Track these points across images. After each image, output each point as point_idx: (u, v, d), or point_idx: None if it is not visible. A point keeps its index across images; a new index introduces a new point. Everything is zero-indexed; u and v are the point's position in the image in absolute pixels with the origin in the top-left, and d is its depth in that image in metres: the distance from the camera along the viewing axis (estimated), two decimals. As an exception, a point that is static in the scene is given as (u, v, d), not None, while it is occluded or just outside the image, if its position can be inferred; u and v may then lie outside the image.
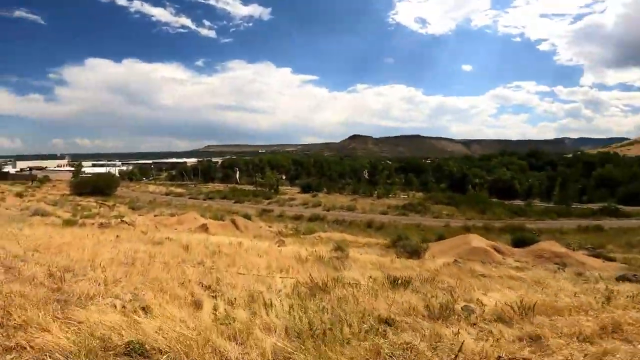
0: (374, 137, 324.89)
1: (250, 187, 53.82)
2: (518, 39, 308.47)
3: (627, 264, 12.86)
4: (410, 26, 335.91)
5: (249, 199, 40.49)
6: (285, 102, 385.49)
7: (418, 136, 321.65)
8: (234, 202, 39.39)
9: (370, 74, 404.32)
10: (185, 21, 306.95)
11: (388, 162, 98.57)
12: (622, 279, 5.06)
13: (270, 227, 23.47)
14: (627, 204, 38.94)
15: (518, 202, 42.35)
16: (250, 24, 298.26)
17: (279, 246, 10.56)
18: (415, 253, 9.01)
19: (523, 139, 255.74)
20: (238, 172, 73.61)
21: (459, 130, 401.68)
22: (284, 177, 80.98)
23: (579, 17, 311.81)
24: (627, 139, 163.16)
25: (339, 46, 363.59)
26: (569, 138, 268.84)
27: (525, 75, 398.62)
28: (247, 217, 24.65)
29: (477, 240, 12.41)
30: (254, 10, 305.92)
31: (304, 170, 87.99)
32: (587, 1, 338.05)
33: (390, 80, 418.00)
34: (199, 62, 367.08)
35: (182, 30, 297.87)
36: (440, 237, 16.68)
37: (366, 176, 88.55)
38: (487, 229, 24.50)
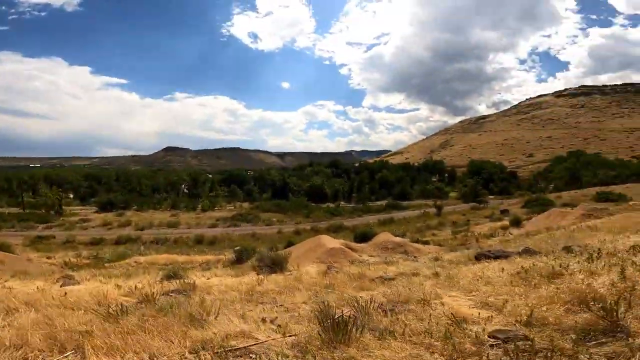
0: (192, 149, 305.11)
1: (16, 210, 38.16)
2: (327, 62, 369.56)
3: (441, 245, 15.90)
4: (243, 39, 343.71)
5: (10, 225, 28.09)
6: (79, 107, 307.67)
7: (238, 149, 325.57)
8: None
9: (194, 83, 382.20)
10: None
11: (208, 175, 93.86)
12: (481, 257, 5.28)
13: (50, 258, 16.55)
14: (401, 199, 51.47)
15: (329, 204, 48.65)
16: (44, 13, 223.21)
17: (62, 286, 6.21)
18: (277, 265, 7.58)
19: (325, 151, 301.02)
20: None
21: (274, 143, 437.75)
22: (71, 196, 63.03)
23: (370, 47, 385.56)
24: (389, 151, 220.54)
25: (160, 50, 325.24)
26: (355, 150, 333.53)
27: (329, 95, 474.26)
28: (3, 248, 16.32)
29: (329, 241, 12.55)
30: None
31: (103, 186, 71.60)
32: (378, 33, 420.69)
33: (215, 91, 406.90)
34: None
35: None
36: (290, 244, 16.17)
37: (186, 190, 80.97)
38: (315, 230, 26.30)
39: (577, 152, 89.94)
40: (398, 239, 14.05)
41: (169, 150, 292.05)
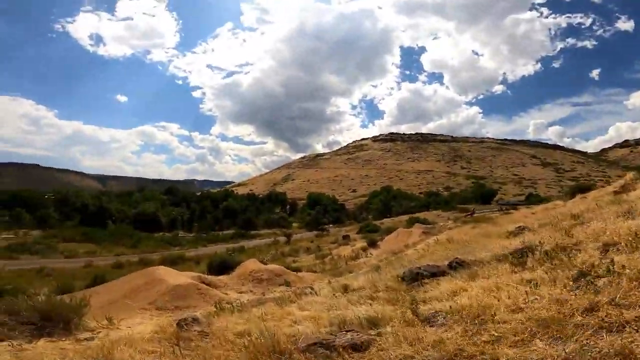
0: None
1: None
2: (180, 82, 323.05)
3: (314, 271, 14.23)
4: (81, 40, 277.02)
5: None
6: None
7: (37, 166, 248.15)
8: None
9: None
10: None
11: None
12: (418, 276, 3.92)
13: None
14: (247, 229, 49.05)
15: (167, 234, 41.26)
16: None
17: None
18: (56, 321, 3.57)
19: (160, 178, 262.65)
20: None
21: (94, 164, 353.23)
22: None
23: (230, 74, 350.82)
24: (233, 182, 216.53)
25: None
26: (197, 180, 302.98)
27: (175, 117, 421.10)
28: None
29: (172, 275, 8.69)
30: None
31: None
32: (242, 62, 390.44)
33: (15, 91, 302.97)
34: None
35: None
36: (102, 281, 10.71)
37: None
38: (145, 262, 20.44)
39: (387, 188, 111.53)
40: (273, 267, 11.62)
41: None
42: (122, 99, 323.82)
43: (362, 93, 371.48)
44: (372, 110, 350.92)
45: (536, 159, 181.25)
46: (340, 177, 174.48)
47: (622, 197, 8.46)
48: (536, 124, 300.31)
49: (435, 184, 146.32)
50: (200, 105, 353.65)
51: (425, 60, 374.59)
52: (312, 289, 6.04)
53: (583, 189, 19.62)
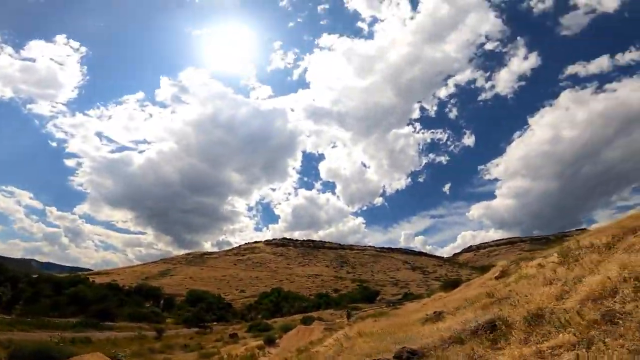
0: None
1: None
2: (54, 144, 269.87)
3: None
4: None
5: None
6: None
7: None
8: None
9: None
10: None
11: None
12: None
13: None
14: (100, 319, 37.15)
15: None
16: None
17: None
18: None
19: None
20: None
21: None
22: None
23: (121, 149, 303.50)
24: (89, 270, 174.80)
25: None
26: (36, 260, 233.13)
27: (29, 183, 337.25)
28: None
29: None
30: None
31: None
32: (139, 138, 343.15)
33: None
34: None
35: None
36: None
37: None
38: None
39: (278, 289, 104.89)
40: None
41: None
42: None
43: (260, 195, 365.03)
44: (267, 213, 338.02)
45: (407, 264, 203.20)
46: (228, 277, 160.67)
47: (506, 280, 9.31)
48: (406, 234, 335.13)
49: (325, 287, 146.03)
50: (71, 177, 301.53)
51: (323, 168, 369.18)
52: None
53: (454, 283, 21.44)
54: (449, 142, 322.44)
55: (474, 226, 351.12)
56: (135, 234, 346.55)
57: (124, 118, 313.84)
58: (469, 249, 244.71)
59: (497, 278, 11.73)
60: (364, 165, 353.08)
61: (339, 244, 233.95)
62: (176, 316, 60.34)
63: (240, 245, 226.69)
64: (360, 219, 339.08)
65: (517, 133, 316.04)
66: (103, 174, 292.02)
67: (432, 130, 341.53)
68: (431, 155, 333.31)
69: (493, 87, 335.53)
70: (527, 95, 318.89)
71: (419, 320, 8.09)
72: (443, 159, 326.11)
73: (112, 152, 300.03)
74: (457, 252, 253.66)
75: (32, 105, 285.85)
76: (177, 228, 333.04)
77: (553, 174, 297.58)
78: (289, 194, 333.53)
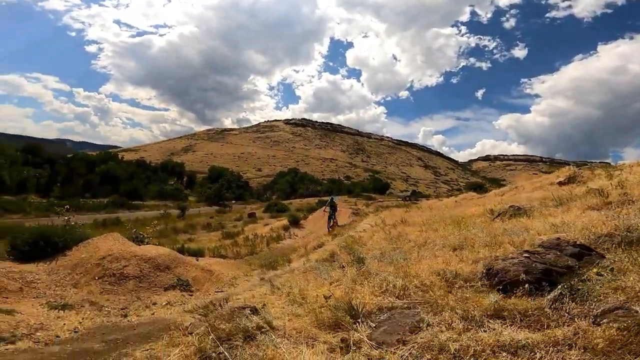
0: None
1: None
2: (74, 34, 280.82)
3: (223, 256, 10.58)
4: None
5: None
6: None
7: None
8: None
9: None
10: None
11: None
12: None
13: None
14: (131, 199, 41.05)
15: (9, 197, 31.03)
16: None
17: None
18: None
19: (22, 134, 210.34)
20: None
21: None
22: None
23: (141, 34, 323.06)
24: (119, 147, 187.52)
25: None
26: (71, 140, 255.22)
27: (53, 69, 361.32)
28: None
29: None
30: None
31: None
32: (159, 22, 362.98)
33: None
34: None
35: None
36: None
37: None
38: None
39: (294, 170, 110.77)
40: (153, 250, 6.84)
41: None
42: None
43: (282, 75, 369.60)
44: (289, 94, 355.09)
45: (421, 161, 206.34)
46: (247, 155, 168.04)
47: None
48: (425, 131, 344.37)
49: (338, 172, 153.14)
50: (93, 61, 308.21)
51: (350, 55, 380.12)
52: (252, 310, 3.08)
53: (478, 186, 21.16)
54: (495, 51, 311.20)
55: (497, 136, 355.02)
56: (160, 110, 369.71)
57: (142, 5, 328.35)
58: (485, 158, 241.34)
59: (561, 184, 9.76)
60: (395, 58, 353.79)
61: (357, 131, 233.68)
62: (198, 194, 65.16)
63: (259, 123, 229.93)
64: (382, 109, 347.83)
65: (580, 56, 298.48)
66: (125, 56, 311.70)
67: (480, 37, 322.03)
68: (471, 60, 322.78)
69: (569, 7, 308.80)
70: (608, 24, 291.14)
71: (478, 214, 7.03)
72: (484, 65, 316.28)
73: (133, 37, 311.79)
74: (472, 158, 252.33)
75: (42, 3, 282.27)
76: (199, 105, 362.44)
77: (599, 102, 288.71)
78: (313, 76, 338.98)
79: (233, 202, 57.16)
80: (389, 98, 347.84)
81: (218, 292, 6.50)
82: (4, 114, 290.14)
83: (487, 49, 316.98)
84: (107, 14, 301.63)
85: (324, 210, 17.57)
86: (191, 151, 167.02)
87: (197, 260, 8.39)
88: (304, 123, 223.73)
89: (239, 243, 15.39)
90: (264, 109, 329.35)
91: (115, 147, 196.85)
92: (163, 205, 39.72)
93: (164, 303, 5.63)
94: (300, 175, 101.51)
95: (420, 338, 2.05)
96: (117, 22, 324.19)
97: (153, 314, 5.21)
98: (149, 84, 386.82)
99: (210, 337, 2.56)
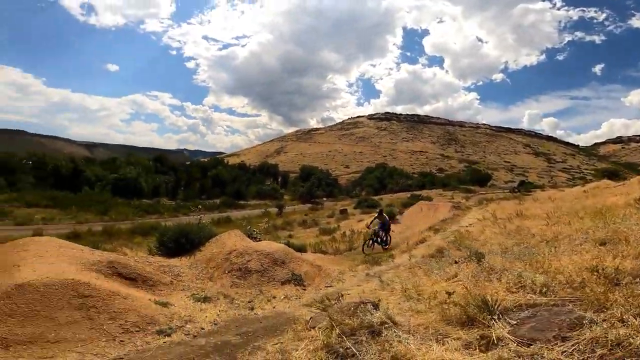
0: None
1: None
2: (174, 53, 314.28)
3: (324, 251, 11.34)
4: (71, 10, 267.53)
5: None
6: None
7: (23, 132, 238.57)
8: None
9: None
10: None
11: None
12: None
13: None
14: (236, 199, 45.98)
15: (146, 201, 37.96)
16: None
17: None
18: None
19: (150, 147, 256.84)
20: None
21: (82, 132, 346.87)
22: None
23: (226, 46, 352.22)
24: (224, 153, 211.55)
25: None
26: (188, 150, 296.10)
27: (167, 87, 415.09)
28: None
29: (42, 256, 4.80)
30: None
31: None
32: (239, 34, 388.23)
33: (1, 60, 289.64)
34: None
35: None
36: None
37: None
38: (109, 233, 17.33)
39: (382, 165, 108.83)
40: (269, 245, 7.31)
41: None
42: (113, 67, 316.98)
43: (359, 71, 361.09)
44: (368, 89, 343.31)
45: (529, 147, 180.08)
46: (334, 153, 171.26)
47: None
48: (531, 114, 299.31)
49: (429, 165, 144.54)
50: (194, 76, 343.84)
51: (427, 43, 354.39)
52: (373, 305, 3.11)
53: (612, 173, 17.43)
54: (606, 22, 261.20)
55: (628, 114, 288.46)
56: (252, 116, 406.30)
57: (220, 19, 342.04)
58: (616, 140, 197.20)
59: None
60: (480, 40, 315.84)
61: (448, 120, 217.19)
62: (292, 192, 69.44)
63: (343, 120, 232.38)
64: (474, 95, 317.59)
65: None
66: (217, 69, 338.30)
67: (582, 9, 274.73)
68: (578, 34, 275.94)
69: None
70: None
71: (622, 205, 6.39)
72: (596, 38, 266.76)
73: (220, 49, 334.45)
74: (598, 141, 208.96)
75: (144, 25, 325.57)
76: (284, 108, 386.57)
77: None
78: (390, 69, 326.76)
79: (324, 199, 58.98)
80: (480, 83, 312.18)
81: (328, 286, 6.61)
82: (135, 130, 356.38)
83: (595, 21, 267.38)
84: (196, 31, 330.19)
85: (367, 226, 14.45)
86: (283, 152, 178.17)
87: (301, 255, 8.76)
88: (388, 117, 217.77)
89: (337, 239, 15.68)
90: (345, 106, 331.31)
91: (221, 153, 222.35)
92: (263, 204, 43.40)
93: (282, 297, 5.95)
94: (388, 170, 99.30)
95: (586, 334, 1.91)
96: (205, 37, 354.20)
97: (274, 307, 5.52)
98: (241, 93, 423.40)
99: (336, 332, 2.57)
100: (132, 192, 43.82)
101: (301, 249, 11.04)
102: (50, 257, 4.74)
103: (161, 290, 5.46)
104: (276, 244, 8.36)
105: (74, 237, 14.10)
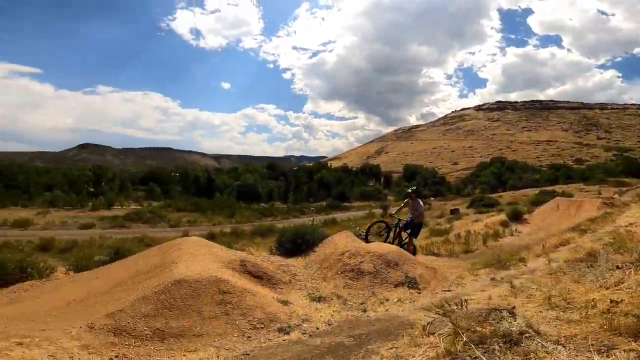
0: (114, 147, 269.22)
1: None
2: (271, 66, 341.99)
3: (437, 253, 11.08)
4: (184, 36, 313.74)
5: None
6: None
7: (169, 149, 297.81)
8: None
9: (121, 77, 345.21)
10: None
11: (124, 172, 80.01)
12: None
13: None
14: (340, 201, 47.32)
15: (263, 205, 42.35)
16: None
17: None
18: None
19: (263, 155, 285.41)
20: None
21: (210, 145, 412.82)
22: None
23: (315, 54, 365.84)
24: (326, 157, 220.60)
25: (87, 39, 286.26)
26: (294, 156, 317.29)
27: (270, 98, 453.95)
28: None
29: (192, 255, 5.54)
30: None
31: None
32: (324, 40, 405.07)
33: (146, 87, 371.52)
34: None
35: None
36: (120, 255, 7.86)
37: (90, 188, 67.27)
38: (236, 234, 19.88)
39: (499, 159, 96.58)
40: (380, 247, 7.07)
41: (84, 147, 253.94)
42: (226, 85, 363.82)
43: (457, 62, 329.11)
44: (470, 78, 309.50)
45: None
46: (439, 149, 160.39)
47: None
48: None
49: (562, 156, 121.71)
50: (292, 86, 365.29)
51: (534, 22, 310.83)
52: (510, 312, 2.80)
53: None
54: None
55: None
56: (350, 119, 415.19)
57: (304, 29, 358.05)
58: None
59: None
60: (602, 13, 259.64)
61: (582, 103, 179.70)
62: (395, 193, 67.91)
63: (446, 115, 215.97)
64: (612, 72, 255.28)
65: None
66: (310, 76, 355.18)
67: None
68: None
69: None
70: None
71: None
72: None
73: (310, 57, 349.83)
74: None
75: (242, 44, 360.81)
76: (380, 108, 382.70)
77: None
78: (494, 54, 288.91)
79: (431, 198, 56.14)
80: (618, 59, 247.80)
81: (445, 291, 6.16)
82: (250, 141, 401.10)
83: None
84: (285, 43, 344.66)
85: (390, 215, 10.99)
86: (384, 152, 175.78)
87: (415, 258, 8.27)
88: (501, 106, 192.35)
89: (450, 240, 14.40)
90: (446, 100, 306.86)
91: (323, 157, 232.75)
92: (367, 205, 43.48)
93: (395, 300, 5.72)
94: (507, 164, 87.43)
95: None
96: (295, 47, 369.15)
97: (387, 310, 5.33)
98: (336, 97, 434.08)
99: (462, 339, 2.35)
100: (251, 197, 49.56)
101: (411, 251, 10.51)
102: (199, 255, 5.49)
103: (281, 288, 5.72)
104: (389, 245, 8.10)
105: (210, 237, 16.56)
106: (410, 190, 10.16)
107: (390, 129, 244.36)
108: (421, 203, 9.57)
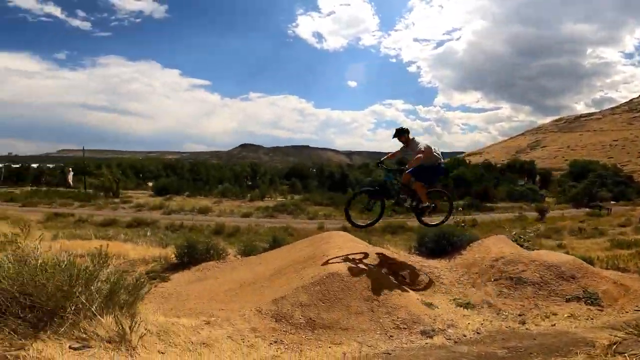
0: (265, 146, 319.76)
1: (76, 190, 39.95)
2: (394, 60, 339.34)
3: (626, 269, 9.24)
4: (308, 40, 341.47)
5: (52, 201, 28.77)
6: (170, 106, 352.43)
7: (307, 147, 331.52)
8: (21, 206, 28.02)
9: (265, 83, 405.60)
10: (53, 9, 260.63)
11: (272, 167, 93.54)
12: None
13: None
14: (481, 201, 42.20)
15: (392, 201, 41.72)
16: (138, 20, 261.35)
17: None
18: None
19: (392, 151, 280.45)
20: (72, 174, 55.73)
21: (342, 142, 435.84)
22: (150, 184, 66.72)
23: (440, 44, 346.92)
24: (463, 152, 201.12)
25: (237, 52, 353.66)
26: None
27: (397, 93, 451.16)
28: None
29: (339, 248, 5.68)
30: (147, 6, 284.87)
31: (177, 176, 74.96)
32: (448, 29, 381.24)
33: (285, 91, 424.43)
34: (60, 55, 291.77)
35: (45, 19, 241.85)
36: (277, 243, 8.88)
37: (248, 182, 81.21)
38: (367, 230, 20.20)
39: None
40: (549, 255, 6.05)
41: (244, 147, 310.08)
42: (352, 84, 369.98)
43: (636, 38, 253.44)
44: None
45: None
46: (623, 142, 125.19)
47: None
48: None
49: None
50: (419, 79, 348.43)
51: None
52: None
53: None
54: None
55: None
56: (491, 110, 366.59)
57: (423, 19, 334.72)
58: None
59: None
60: None
61: None
62: (556, 194, 56.82)
63: (632, 99, 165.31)
64: None
65: None
66: (439, 68, 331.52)
67: None
68: None
69: None
70: None
71: None
72: None
73: (435, 48, 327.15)
74: None
75: (361, 42, 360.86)
76: (531, 96, 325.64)
77: None
78: None
79: (611, 202, 44.61)
80: None
81: (638, 311, 5.18)
82: (379, 137, 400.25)
83: None
84: (404, 36, 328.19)
85: (377, 164, 7.03)
86: (539, 147, 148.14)
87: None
88: None
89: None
90: (630, 82, 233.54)
91: (459, 152, 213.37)
92: (517, 207, 37.40)
93: (566, 315, 5.02)
94: None
95: None
96: (416, 39, 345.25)
97: (553, 325, 4.75)
98: (471, 87, 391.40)
99: None
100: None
101: (586, 262, 8.47)
102: (345, 249, 5.79)
103: (424, 290, 5.51)
104: (563, 254, 6.92)
105: (344, 231, 17.40)
106: (401, 128, 6.24)
107: (547, 119, 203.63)
108: (417, 141, 6.10)
